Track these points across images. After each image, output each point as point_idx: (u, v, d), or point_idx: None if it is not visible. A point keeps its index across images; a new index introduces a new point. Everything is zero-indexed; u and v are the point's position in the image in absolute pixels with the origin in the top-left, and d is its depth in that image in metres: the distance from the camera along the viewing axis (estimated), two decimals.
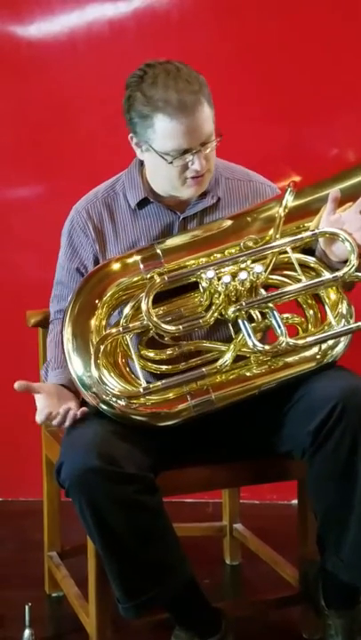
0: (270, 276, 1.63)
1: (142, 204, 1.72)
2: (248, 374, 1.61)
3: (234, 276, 1.58)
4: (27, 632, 1.73)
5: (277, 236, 1.62)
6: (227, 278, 1.58)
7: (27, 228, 2.56)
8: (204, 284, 1.60)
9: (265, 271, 1.60)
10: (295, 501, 1.83)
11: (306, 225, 1.64)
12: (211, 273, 1.59)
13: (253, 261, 1.61)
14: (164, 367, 1.62)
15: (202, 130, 1.60)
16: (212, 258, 1.63)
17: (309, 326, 1.65)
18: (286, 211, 1.62)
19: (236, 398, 1.60)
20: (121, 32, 2.51)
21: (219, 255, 1.63)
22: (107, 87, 2.51)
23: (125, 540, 1.55)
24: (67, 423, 1.61)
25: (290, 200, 1.62)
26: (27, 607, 1.72)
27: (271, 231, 1.63)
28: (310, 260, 1.64)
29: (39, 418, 1.62)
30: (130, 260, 1.64)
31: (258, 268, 1.59)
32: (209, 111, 1.62)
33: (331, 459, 1.57)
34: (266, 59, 2.49)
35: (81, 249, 1.75)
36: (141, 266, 1.63)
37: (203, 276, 1.59)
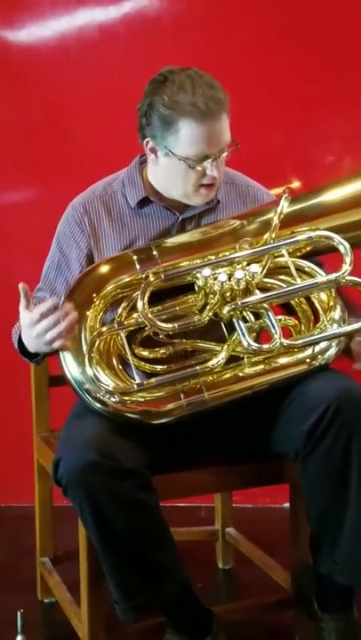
0: (266, 280, 1.64)
1: (142, 203, 1.73)
2: (241, 374, 1.62)
3: (230, 275, 1.59)
4: (19, 638, 1.72)
5: (272, 239, 1.63)
6: (222, 277, 1.59)
7: (21, 233, 2.56)
8: (199, 282, 1.61)
9: (261, 272, 1.61)
10: (288, 505, 1.83)
11: (300, 230, 1.65)
12: (207, 271, 1.60)
13: (249, 263, 1.62)
14: (158, 367, 1.62)
15: (223, 137, 1.64)
16: (207, 259, 1.64)
17: (303, 329, 1.66)
18: (282, 216, 1.63)
19: (229, 398, 1.61)
20: (112, 37, 2.51)
21: (214, 257, 1.64)
22: (99, 91, 2.53)
23: (124, 536, 1.55)
24: (63, 325, 1.51)
25: (285, 206, 1.64)
26: (19, 613, 1.71)
27: (267, 235, 1.64)
28: (305, 264, 1.65)
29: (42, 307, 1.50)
30: (126, 260, 1.65)
31: (254, 267, 1.60)
32: (227, 119, 1.64)
33: (325, 460, 1.57)
34: (260, 63, 2.49)
35: (74, 244, 1.74)
36: (138, 266, 1.63)
37: (198, 274, 1.60)
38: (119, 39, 2.51)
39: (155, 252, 1.64)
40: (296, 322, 1.67)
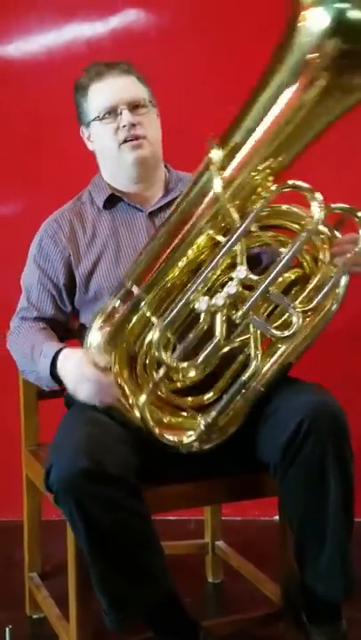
0: (260, 233, 1.60)
1: (109, 203, 1.79)
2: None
3: (225, 296, 1.56)
4: None
5: (238, 222, 1.56)
6: (220, 301, 1.56)
7: (2, 246, 2.55)
8: (203, 314, 1.57)
9: (245, 270, 1.56)
10: (277, 517, 1.83)
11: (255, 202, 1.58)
12: (203, 305, 1.56)
13: (231, 265, 1.59)
14: (205, 397, 1.64)
15: (130, 89, 1.74)
16: (185, 270, 1.60)
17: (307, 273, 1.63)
18: (223, 174, 1.55)
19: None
20: (99, 52, 2.52)
21: (198, 281, 1.57)
22: None
23: (113, 543, 1.54)
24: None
25: (219, 154, 1.57)
26: (7, 629, 1.70)
27: (229, 219, 1.56)
28: (284, 207, 1.62)
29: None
30: (110, 310, 1.62)
31: (241, 273, 1.57)
32: (139, 84, 1.76)
33: (301, 474, 1.58)
34: (244, 77, 2.50)
35: (50, 259, 1.78)
36: (119, 303, 1.61)
37: (196, 307, 1.57)
38: (106, 54, 2.52)
39: (132, 288, 1.59)
40: (297, 270, 1.63)
